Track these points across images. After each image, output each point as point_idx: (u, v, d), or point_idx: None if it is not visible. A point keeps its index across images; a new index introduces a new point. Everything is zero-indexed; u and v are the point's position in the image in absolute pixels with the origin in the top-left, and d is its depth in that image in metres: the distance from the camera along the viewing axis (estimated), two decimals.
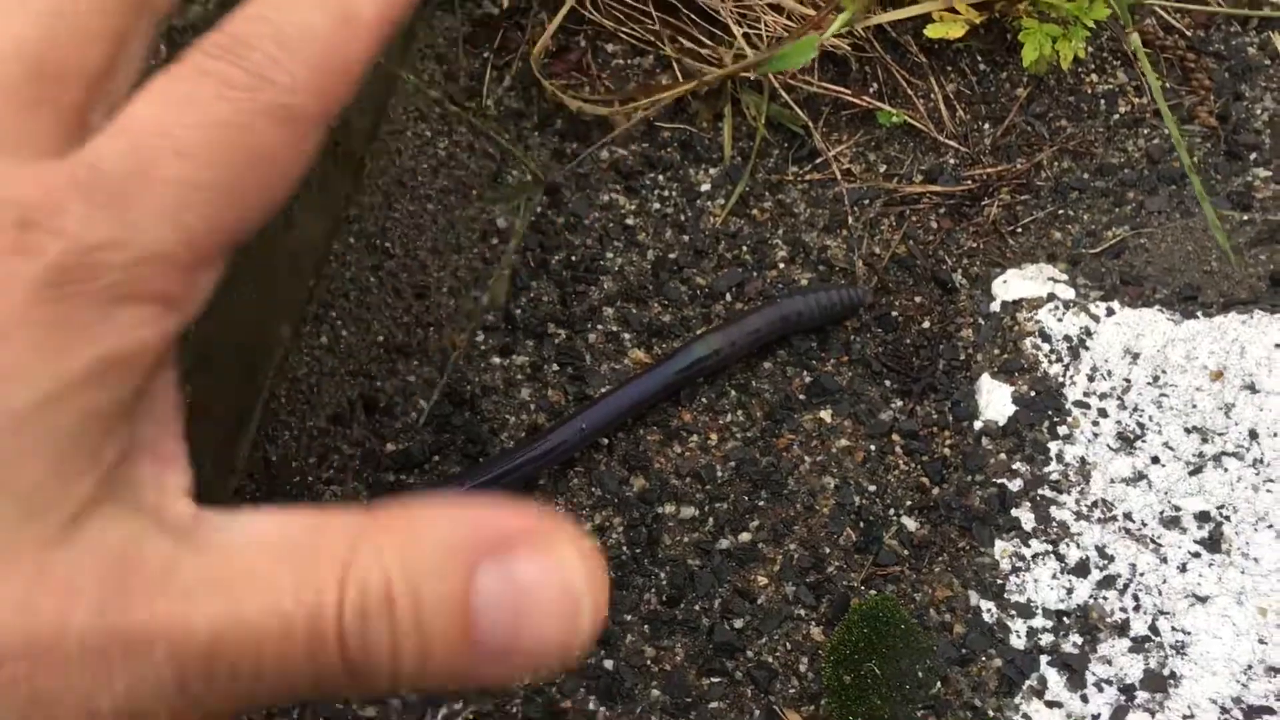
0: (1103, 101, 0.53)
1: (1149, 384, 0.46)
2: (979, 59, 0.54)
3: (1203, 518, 0.43)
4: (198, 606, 0.20)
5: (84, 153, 0.22)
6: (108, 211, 0.21)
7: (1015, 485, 0.45)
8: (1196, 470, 0.44)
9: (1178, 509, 0.44)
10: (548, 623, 0.23)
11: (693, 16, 0.56)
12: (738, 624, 0.43)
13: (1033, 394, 0.46)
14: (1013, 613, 0.42)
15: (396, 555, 0.22)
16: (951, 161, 0.52)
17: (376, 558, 0.22)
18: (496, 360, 0.49)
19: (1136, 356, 0.47)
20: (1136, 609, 0.42)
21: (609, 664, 0.43)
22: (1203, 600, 0.42)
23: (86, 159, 0.22)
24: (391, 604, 0.22)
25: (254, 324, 0.46)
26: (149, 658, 0.20)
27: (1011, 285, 0.49)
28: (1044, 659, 0.41)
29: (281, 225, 0.47)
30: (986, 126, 0.53)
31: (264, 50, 0.24)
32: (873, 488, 0.46)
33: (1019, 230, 0.50)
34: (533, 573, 0.23)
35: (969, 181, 0.51)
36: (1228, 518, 0.43)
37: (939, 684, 0.41)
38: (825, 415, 0.47)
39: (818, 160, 0.53)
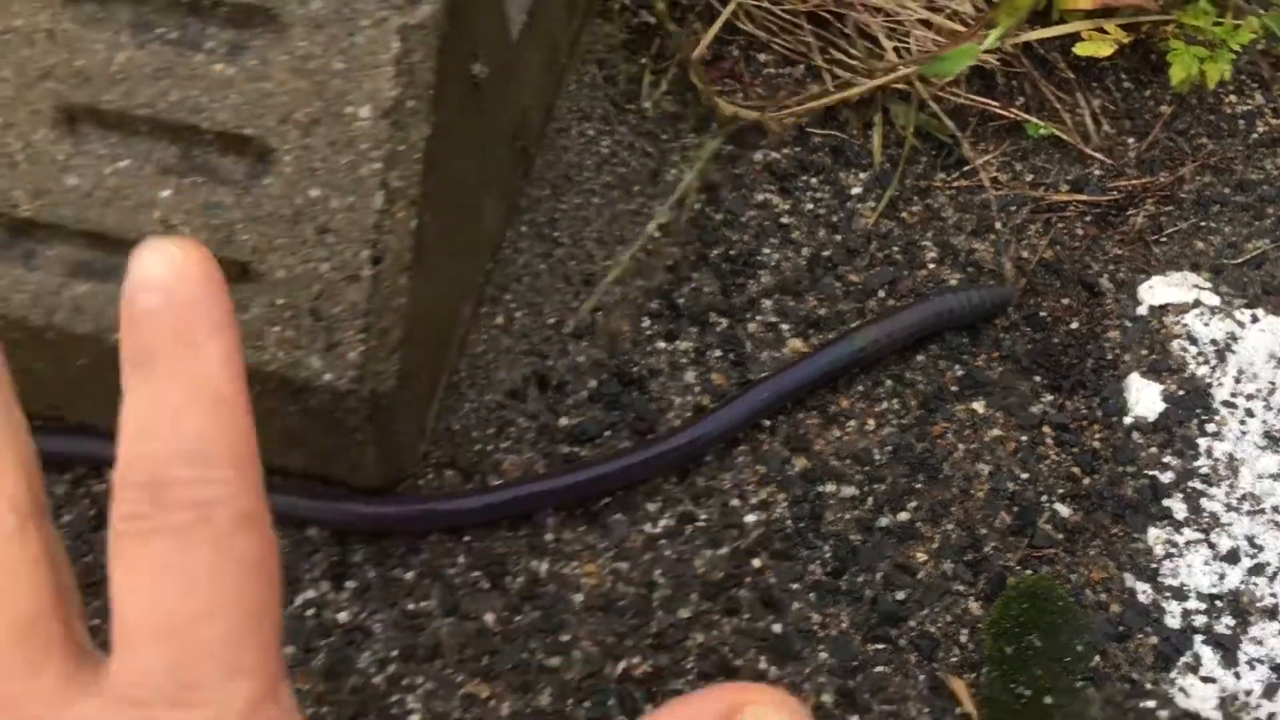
0: (1241, 121, 0.56)
1: None
2: (1124, 77, 0.57)
3: None
4: None
5: (114, 677, 0.24)
6: (182, 711, 0.24)
7: (1166, 477, 0.47)
8: None
9: None
10: None
11: (843, 30, 0.59)
12: (899, 596, 0.46)
13: (1181, 393, 0.49)
14: (1167, 595, 0.45)
15: None
16: (1097, 173, 0.55)
17: None
18: (662, 345, 0.52)
19: None
20: None
21: (777, 628, 0.45)
22: None
23: (126, 679, 0.24)
24: None
25: (447, 302, 0.49)
26: None
27: (1157, 291, 0.51)
28: (1198, 638, 0.44)
29: (473, 212, 0.50)
30: (1131, 141, 0.56)
31: (183, 477, 0.25)
32: (1025, 475, 0.48)
33: (1163, 239, 0.53)
34: None
35: (1114, 192, 0.54)
36: None
37: (1097, 658, 0.44)
38: (977, 406, 0.50)
39: (965, 168, 0.55)
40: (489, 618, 0.46)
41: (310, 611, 0.46)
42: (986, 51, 0.55)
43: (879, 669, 0.44)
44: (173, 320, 0.25)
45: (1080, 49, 0.55)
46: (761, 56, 0.60)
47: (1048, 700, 0.43)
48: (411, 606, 0.47)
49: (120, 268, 0.46)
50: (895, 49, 0.57)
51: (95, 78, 0.44)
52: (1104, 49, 0.54)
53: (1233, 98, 0.56)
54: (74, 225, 0.45)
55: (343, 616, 0.46)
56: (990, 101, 0.56)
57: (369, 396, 0.45)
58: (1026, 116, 0.56)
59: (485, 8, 0.47)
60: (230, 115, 0.44)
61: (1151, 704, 0.43)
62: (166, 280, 0.26)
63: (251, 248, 0.44)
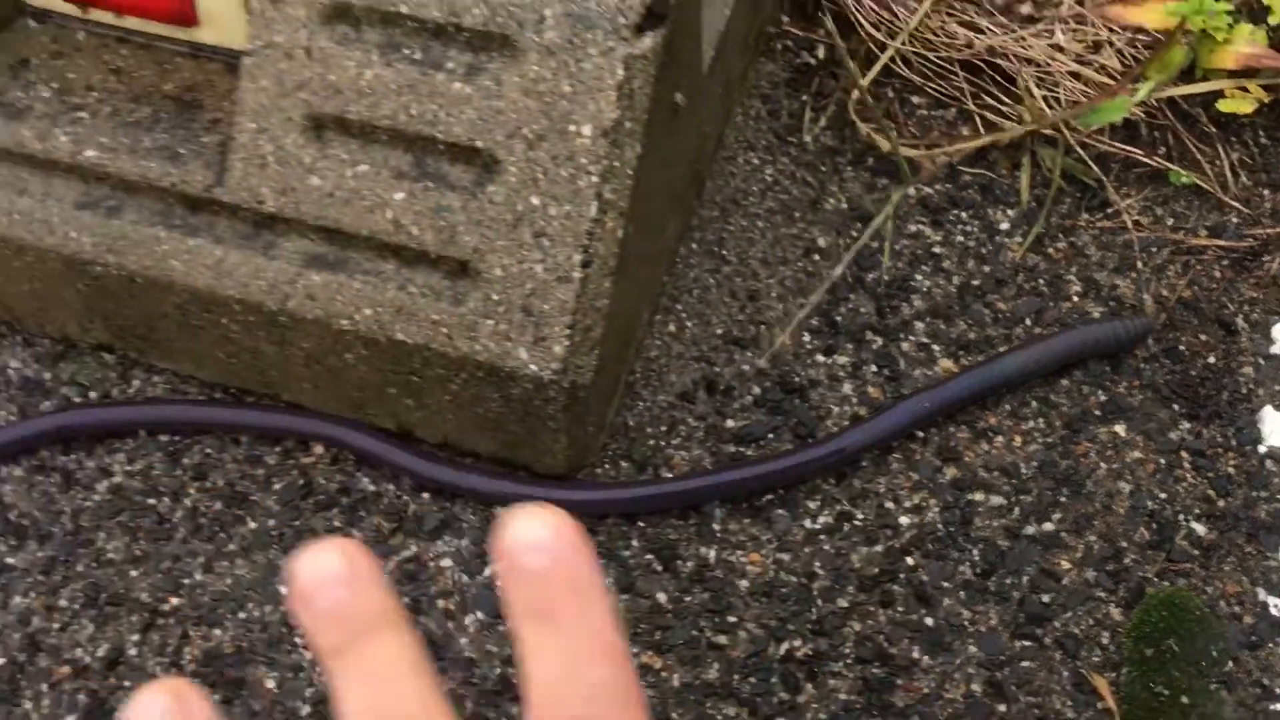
0: None
1: None
2: (1262, 133, 0.61)
3: None
4: None
5: None
6: None
7: None
8: None
9: None
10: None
11: (995, 77, 0.63)
12: (1045, 598, 0.49)
13: None
14: None
15: None
16: (1234, 220, 0.59)
17: None
18: (821, 358, 0.56)
19: None
20: None
21: (929, 621, 0.49)
22: None
23: None
24: None
25: (633, 308, 0.54)
26: None
27: None
28: None
29: (659, 227, 0.55)
30: (1266, 192, 0.59)
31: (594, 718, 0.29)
32: (1164, 495, 0.52)
33: None
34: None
35: (1250, 239, 0.58)
36: None
37: (1231, 664, 0.47)
38: (1119, 429, 0.53)
39: (1108, 210, 0.60)
40: (661, 596, 0.51)
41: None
42: (1134, 104, 0.59)
43: (1025, 664, 0.48)
44: (565, 580, 0.30)
45: (1222, 105, 0.59)
46: (915, 99, 0.64)
47: (1184, 700, 0.46)
48: None
49: (351, 261, 0.51)
50: (1044, 98, 0.61)
51: (344, 91, 0.50)
52: (1245, 106, 0.58)
53: None
54: (313, 221, 0.51)
55: None
56: (1134, 150, 0.60)
57: (568, 388, 0.49)
58: (1169, 165, 0.60)
59: (689, 43, 0.52)
60: (464, 129, 0.49)
61: None
62: (551, 544, 0.30)
63: (473, 248, 0.49)
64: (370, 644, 0.32)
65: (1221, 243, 0.58)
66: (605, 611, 0.32)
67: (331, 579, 0.32)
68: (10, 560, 0.53)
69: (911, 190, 0.61)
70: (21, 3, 0.58)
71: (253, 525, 0.54)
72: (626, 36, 0.47)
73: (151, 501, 0.55)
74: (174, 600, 0.52)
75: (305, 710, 0.49)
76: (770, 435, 0.54)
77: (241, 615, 0.51)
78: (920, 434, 0.54)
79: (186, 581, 0.52)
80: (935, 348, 0.56)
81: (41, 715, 0.49)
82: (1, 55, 0.57)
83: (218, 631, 0.51)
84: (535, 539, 0.30)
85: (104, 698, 0.50)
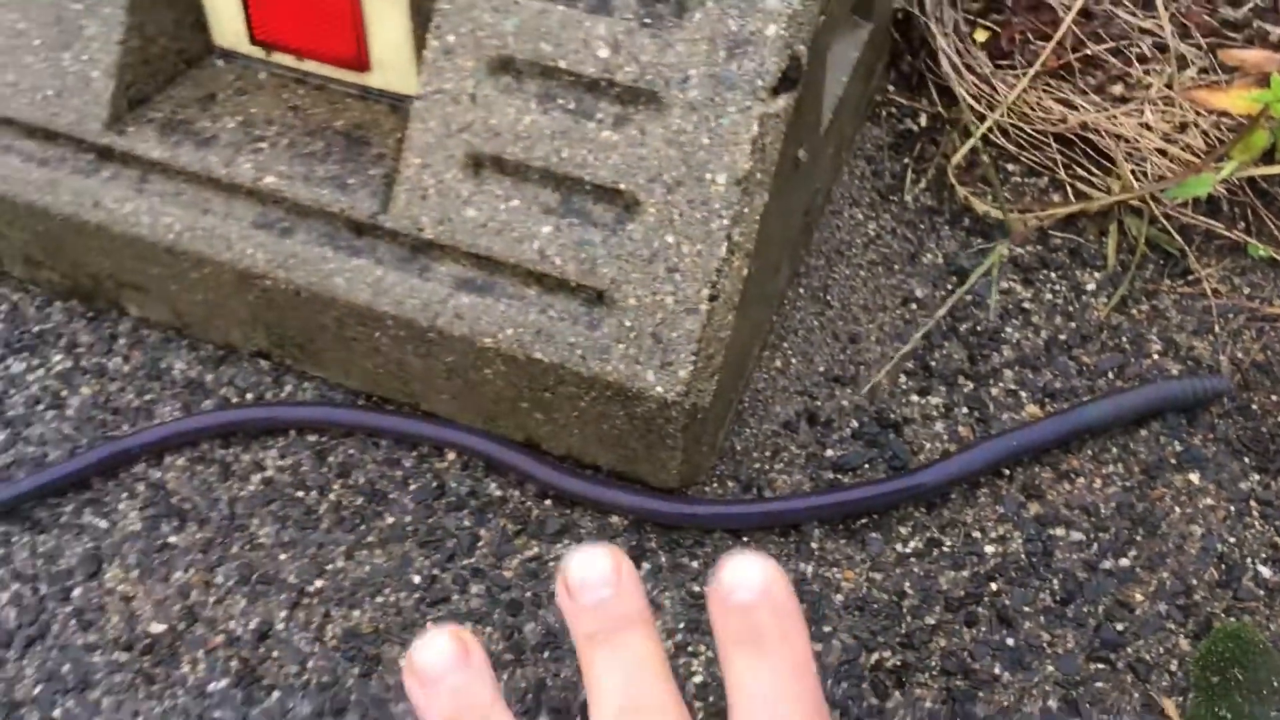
0: None
1: None
2: None
3: None
4: None
5: None
6: None
7: None
8: None
9: None
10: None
11: (1086, 151, 0.68)
12: (1119, 627, 0.53)
13: None
14: None
15: None
16: None
17: None
18: (915, 398, 0.61)
19: None
20: None
21: (1010, 641, 0.53)
22: None
23: None
24: None
25: (747, 341, 0.59)
26: None
27: None
28: None
29: (775, 269, 0.61)
30: None
31: None
32: (1233, 539, 0.56)
33: None
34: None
35: None
36: None
37: None
38: (1193, 477, 0.57)
39: (1189, 277, 0.64)
40: None
41: None
42: (1218, 181, 0.64)
43: (1099, 684, 0.52)
44: (772, 615, 0.36)
45: None
46: (1010, 166, 0.70)
47: None
48: (696, 589, 0.56)
49: (498, 286, 0.57)
50: (1132, 171, 0.66)
51: (503, 133, 0.56)
52: None
53: None
54: (466, 248, 0.57)
55: None
56: (1215, 223, 0.65)
57: (689, 409, 0.55)
58: (1248, 239, 0.64)
59: (814, 105, 0.58)
60: (609, 172, 0.55)
61: None
62: (763, 584, 0.36)
63: (610, 279, 0.55)
64: (629, 634, 0.37)
65: None
66: (806, 643, 0.37)
67: (598, 578, 0.38)
68: (172, 540, 0.59)
69: (1004, 250, 0.66)
70: (212, 43, 0.65)
71: (390, 520, 0.59)
72: (763, 97, 0.53)
73: (300, 494, 0.60)
74: (318, 583, 0.57)
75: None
76: (866, 465, 0.59)
77: (379, 599, 0.57)
78: (1006, 472, 0.58)
79: (329, 567, 0.58)
80: (1022, 394, 0.61)
81: (197, 678, 0.55)
82: (192, 89, 0.64)
83: (356, 613, 0.56)
84: (750, 580, 0.36)
85: (254, 666, 0.55)
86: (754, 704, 0.36)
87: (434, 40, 0.56)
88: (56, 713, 0.54)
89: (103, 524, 0.59)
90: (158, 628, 0.56)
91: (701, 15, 0.53)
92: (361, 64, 0.62)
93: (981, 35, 0.71)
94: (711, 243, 0.53)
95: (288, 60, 0.64)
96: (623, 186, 0.54)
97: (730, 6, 0.53)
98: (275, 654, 0.55)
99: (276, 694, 0.54)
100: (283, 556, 0.58)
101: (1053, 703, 0.52)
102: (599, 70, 0.54)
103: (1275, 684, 0.51)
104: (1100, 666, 0.53)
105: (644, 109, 0.54)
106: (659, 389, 0.54)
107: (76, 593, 0.57)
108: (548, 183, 0.56)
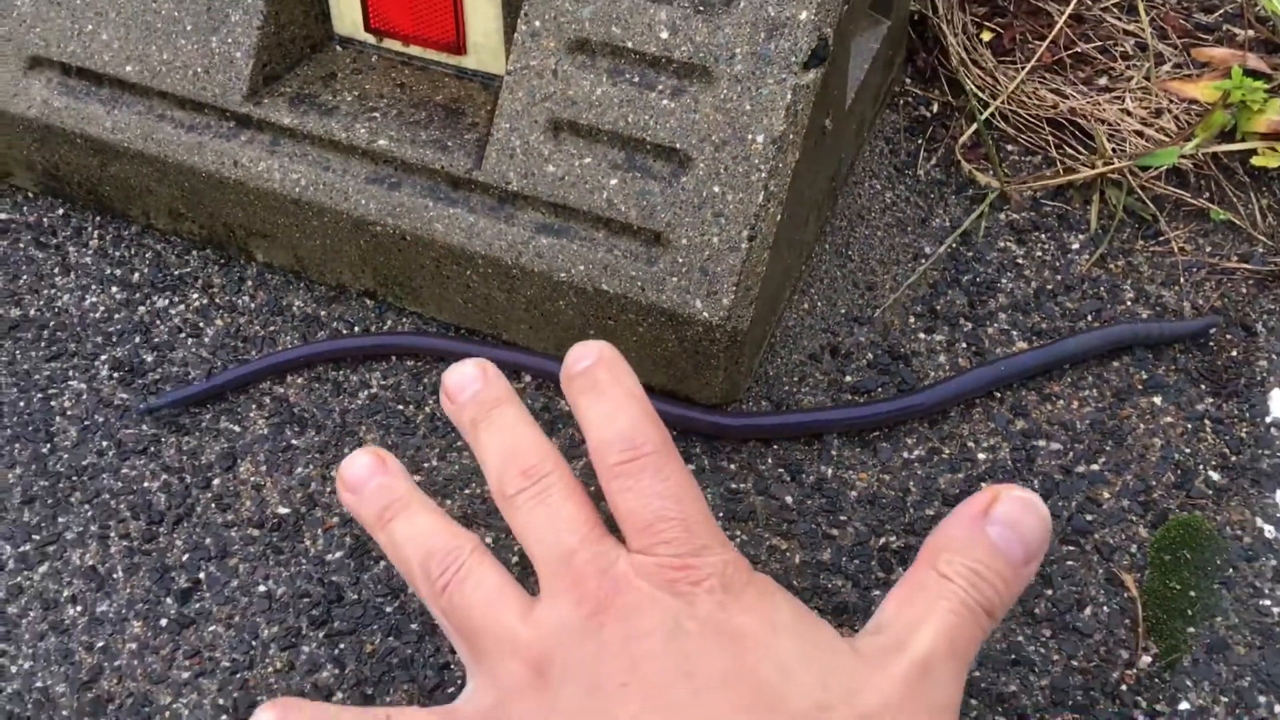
0: None
1: None
2: None
3: None
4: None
5: (644, 544, 0.46)
6: (701, 557, 0.46)
7: None
8: None
9: None
10: (1031, 523, 0.42)
11: (1074, 133, 0.79)
12: (1088, 517, 0.64)
13: None
14: None
15: (958, 558, 0.41)
16: (1260, 250, 0.73)
17: (952, 566, 0.41)
18: (922, 336, 0.72)
19: None
20: None
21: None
22: None
23: (656, 543, 0.47)
24: (978, 575, 0.41)
25: (779, 281, 0.70)
26: None
27: None
28: None
29: (804, 223, 0.72)
30: None
31: (639, 441, 0.48)
32: (1188, 450, 0.66)
33: None
34: (1006, 507, 0.42)
35: (1273, 264, 0.72)
36: None
37: (1230, 570, 0.61)
38: (1156, 400, 0.68)
39: (1160, 238, 0.74)
40: (788, 499, 0.66)
41: None
42: (1184, 156, 0.74)
43: (1069, 562, 0.62)
44: (606, 367, 0.48)
45: (1256, 161, 0.73)
46: (1010, 147, 0.80)
47: (1192, 594, 0.60)
48: (733, 486, 0.67)
49: (571, 230, 0.68)
50: (1113, 150, 0.77)
51: (579, 102, 0.67)
52: (1274, 162, 0.73)
53: None
54: (546, 199, 0.68)
55: None
56: (1183, 192, 0.75)
57: (731, 331, 0.65)
58: (1210, 205, 0.74)
59: (839, 83, 0.69)
60: (667, 134, 0.66)
61: (1268, 603, 0.60)
62: (596, 353, 0.49)
63: (666, 222, 0.66)
64: (499, 410, 0.50)
65: (1249, 266, 0.72)
66: (633, 380, 0.49)
67: (471, 377, 0.51)
68: (294, 442, 0.70)
69: (1002, 216, 0.77)
70: (332, 31, 0.77)
71: None
72: (796, 71, 0.64)
73: (400, 407, 0.72)
74: (416, 478, 0.68)
75: (514, 560, 0.65)
76: (879, 389, 0.70)
77: (466, 491, 0.68)
78: (998, 395, 0.69)
79: (425, 465, 0.69)
80: (1014, 333, 0.71)
81: (317, 550, 0.66)
82: (316, 69, 0.76)
83: (449, 501, 0.67)
84: (585, 353, 0.48)
85: (364, 541, 0.66)
86: (595, 426, 0.47)
87: (523, 25, 0.68)
88: (201, 575, 0.65)
89: (236, 429, 0.71)
90: (283, 510, 0.67)
91: (746, 3, 0.65)
92: (459, 48, 0.74)
93: (987, 35, 0.82)
94: (751, 191, 0.64)
95: (396, 45, 0.76)
96: (678, 146, 0.65)
97: None
98: None
99: (383, 563, 0.65)
100: None
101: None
102: (660, 49, 0.66)
103: (1218, 562, 0.61)
104: (1071, 548, 0.63)
105: (697, 81, 0.65)
106: (705, 314, 0.65)
107: (216, 482, 0.69)
108: (615, 143, 0.67)
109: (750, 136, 0.64)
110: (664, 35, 0.66)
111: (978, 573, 0.40)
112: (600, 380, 0.48)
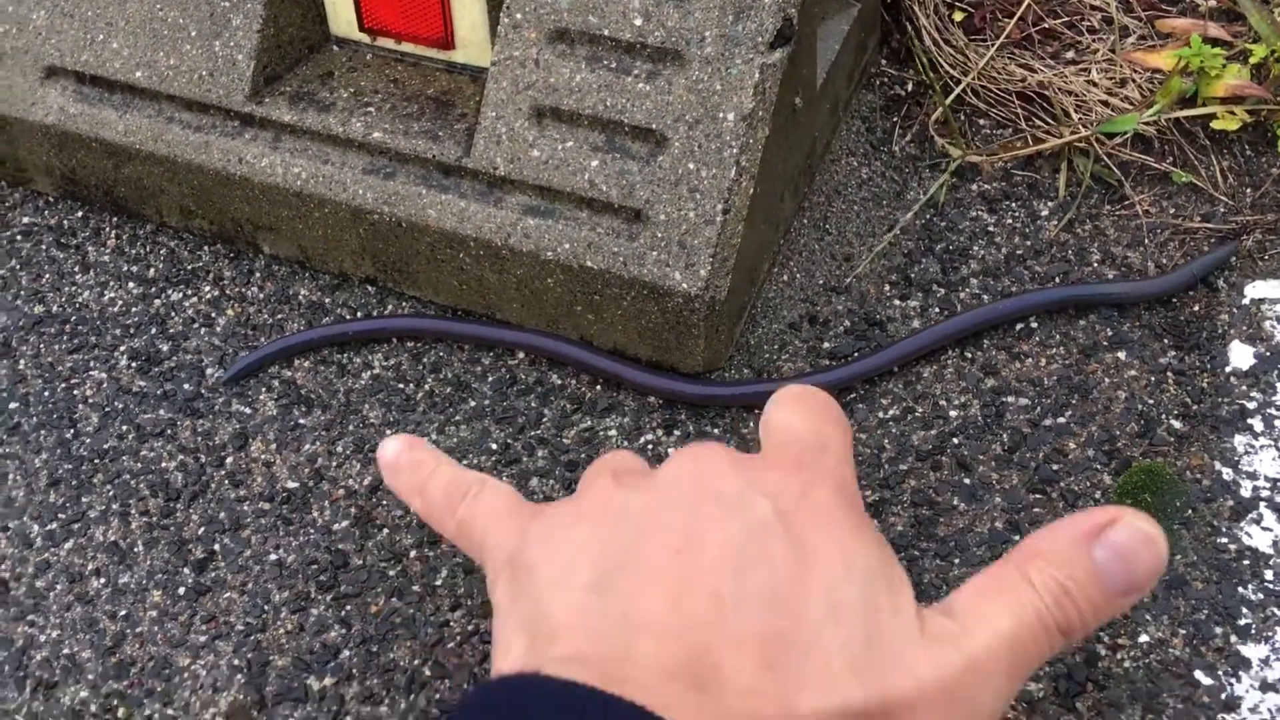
0: None
1: None
2: (1246, 146, 0.78)
3: None
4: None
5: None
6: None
7: (1251, 405, 0.67)
8: None
9: None
10: (1145, 558, 0.38)
11: (1043, 105, 0.82)
12: (1055, 468, 0.67)
13: (1267, 354, 0.69)
14: (1244, 476, 0.64)
15: (1051, 569, 0.38)
16: (1221, 210, 0.76)
17: (1042, 576, 0.38)
18: (897, 302, 0.75)
19: None
20: None
21: (967, 481, 0.67)
22: None
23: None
24: (1067, 593, 0.38)
25: (757, 254, 0.73)
26: None
27: (1258, 289, 0.72)
28: (1262, 503, 0.63)
29: (779, 198, 0.75)
30: (1248, 190, 0.77)
31: None
32: (1151, 401, 0.69)
33: (1266, 257, 0.74)
34: (1123, 535, 0.38)
35: (1233, 224, 0.75)
36: None
37: (1190, 511, 0.64)
38: (1121, 355, 0.71)
39: (1125, 202, 0.77)
40: None
41: (650, 448, 0.70)
42: (1146, 122, 0.77)
43: (1037, 510, 0.65)
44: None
45: (1215, 124, 0.76)
46: (981, 121, 0.83)
47: None
48: None
49: (557, 211, 0.71)
50: (1080, 120, 0.80)
51: (560, 89, 0.71)
52: (1232, 125, 0.75)
53: None
54: (532, 182, 0.72)
55: (669, 452, 0.70)
56: (1147, 158, 0.78)
57: (709, 301, 0.69)
58: (1173, 169, 0.77)
59: (807, 62, 0.72)
60: (644, 116, 0.69)
61: (1225, 540, 0.62)
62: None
63: (645, 200, 0.69)
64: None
65: (1210, 226, 0.75)
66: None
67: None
68: (302, 421, 0.74)
69: (975, 187, 0.80)
70: (329, 32, 0.81)
71: (472, 404, 0.74)
72: (763, 51, 0.67)
73: (401, 386, 0.75)
74: None
75: None
76: (855, 354, 0.73)
77: (465, 462, 0.71)
78: (969, 354, 0.72)
79: (426, 439, 0.73)
80: (985, 297, 0.74)
81: (324, 520, 0.69)
82: (314, 69, 0.80)
83: None
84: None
85: (368, 511, 0.70)
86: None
87: (505, 18, 0.72)
88: (216, 546, 0.69)
89: (248, 410, 0.75)
90: (292, 484, 0.71)
91: None
92: (448, 43, 0.77)
93: (959, 15, 0.85)
94: (724, 167, 0.68)
95: (389, 43, 0.80)
96: (654, 126, 0.69)
97: None
98: (384, 502, 0.70)
99: (386, 530, 0.68)
100: (389, 433, 0.73)
101: (999, 525, 0.65)
102: (634, 35, 0.69)
103: (1178, 504, 0.64)
104: (1038, 496, 0.66)
105: (670, 65, 0.69)
106: (684, 285, 0.68)
107: (229, 460, 0.73)
108: (595, 127, 0.70)
109: (722, 115, 0.68)
110: (638, 22, 0.69)
111: (1068, 591, 0.37)
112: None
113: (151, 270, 0.83)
